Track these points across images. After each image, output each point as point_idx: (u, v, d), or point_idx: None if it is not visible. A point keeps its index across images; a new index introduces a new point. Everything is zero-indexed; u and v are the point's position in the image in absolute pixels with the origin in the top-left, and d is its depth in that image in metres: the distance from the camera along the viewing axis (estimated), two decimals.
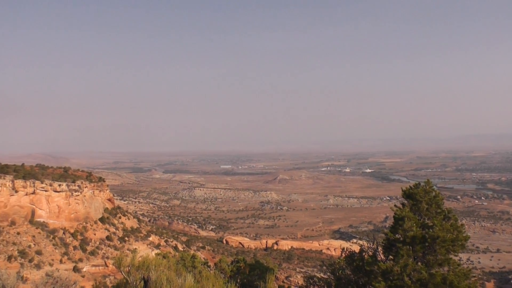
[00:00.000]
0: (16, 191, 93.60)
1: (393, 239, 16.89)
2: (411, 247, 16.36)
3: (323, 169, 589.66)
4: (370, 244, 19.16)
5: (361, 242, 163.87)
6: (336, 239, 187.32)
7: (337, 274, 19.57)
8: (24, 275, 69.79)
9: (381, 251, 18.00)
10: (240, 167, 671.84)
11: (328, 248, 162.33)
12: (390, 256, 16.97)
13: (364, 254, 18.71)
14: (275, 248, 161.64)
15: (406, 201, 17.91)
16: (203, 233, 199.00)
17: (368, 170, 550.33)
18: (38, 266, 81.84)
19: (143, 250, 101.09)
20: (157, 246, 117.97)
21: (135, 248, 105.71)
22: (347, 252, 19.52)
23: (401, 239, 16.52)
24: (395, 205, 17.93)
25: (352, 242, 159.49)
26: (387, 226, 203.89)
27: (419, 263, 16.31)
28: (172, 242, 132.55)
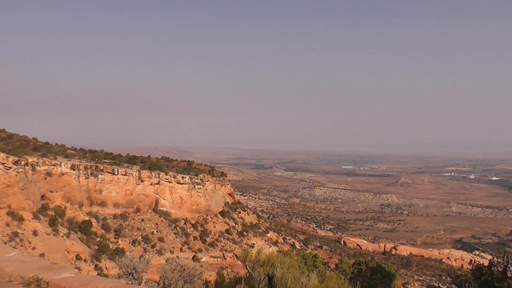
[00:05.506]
0: (142, 181, 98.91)
1: None
2: None
3: (446, 174, 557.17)
4: (499, 258, 16.80)
5: (484, 254, 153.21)
6: (458, 249, 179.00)
7: (463, 287, 17.37)
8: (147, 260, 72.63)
9: None
10: (362, 168, 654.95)
11: (448, 258, 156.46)
12: None
13: (493, 268, 16.26)
14: (393, 252, 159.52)
15: None
16: (321, 232, 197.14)
17: (495, 178, 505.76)
18: (160, 252, 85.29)
19: (261, 246, 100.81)
20: (275, 243, 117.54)
21: (253, 243, 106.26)
22: (474, 264, 17.21)
23: None
24: None
25: (474, 254, 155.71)
26: None
27: None
28: (290, 239, 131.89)
